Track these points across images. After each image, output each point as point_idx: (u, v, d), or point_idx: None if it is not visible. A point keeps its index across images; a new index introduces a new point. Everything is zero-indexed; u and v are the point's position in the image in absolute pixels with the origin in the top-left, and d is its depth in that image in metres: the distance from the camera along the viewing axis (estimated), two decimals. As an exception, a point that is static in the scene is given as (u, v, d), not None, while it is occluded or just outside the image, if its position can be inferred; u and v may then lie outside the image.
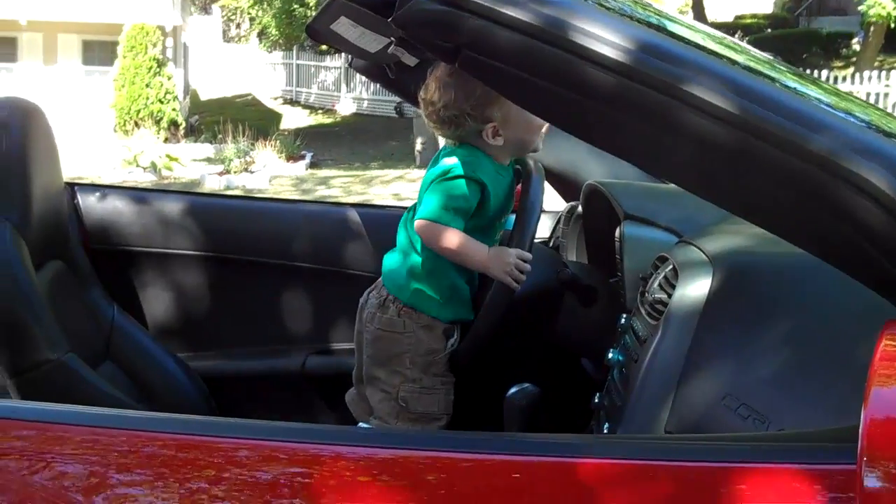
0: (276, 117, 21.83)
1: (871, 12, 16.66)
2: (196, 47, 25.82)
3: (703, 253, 1.59)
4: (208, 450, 1.08)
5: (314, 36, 2.10)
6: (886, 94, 16.43)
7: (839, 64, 20.53)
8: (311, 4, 20.22)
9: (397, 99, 18.97)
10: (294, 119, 22.14)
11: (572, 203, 2.46)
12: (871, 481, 0.90)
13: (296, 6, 21.13)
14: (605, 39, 1.07)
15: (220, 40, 32.49)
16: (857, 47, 21.30)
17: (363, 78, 21.45)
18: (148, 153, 14.30)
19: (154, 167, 14.06)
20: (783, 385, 1.27)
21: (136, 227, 2.54)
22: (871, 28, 18.25)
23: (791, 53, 18.79)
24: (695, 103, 1.06)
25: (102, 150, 15.28)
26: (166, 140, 16.99)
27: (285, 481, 1.06)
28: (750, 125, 1.05)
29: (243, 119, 16.48)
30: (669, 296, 1.56)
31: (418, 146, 14.39)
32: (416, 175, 13.07)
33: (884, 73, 17.07)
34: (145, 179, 13.68)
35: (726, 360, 1.38)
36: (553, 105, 1.16)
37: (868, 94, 15.90)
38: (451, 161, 1.89)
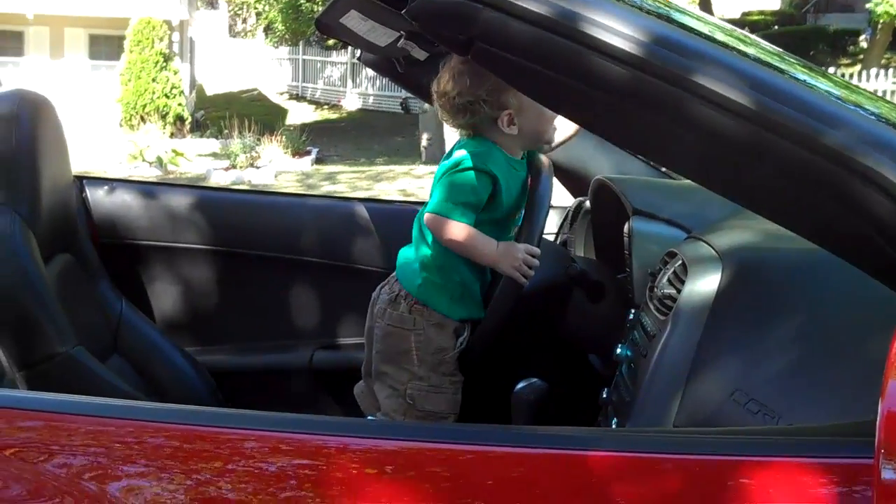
0: (282, 112, 21.83)
1: (879, 10, 16.62)
2: (202, 42, 25.82)
3: (713, 248, 1.58)
4: (215, 441, 1.08)
5: (323, 30, 2.10)
6: (893, 92, 16.39)
7: (846, 61, 20.47)
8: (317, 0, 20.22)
9: (403, 95, 19.01)
10: (300, 114, 22.13)
11: (580, 198, 2.46)
12: (889, 473, 0.90)
13: (302, 1, 21.11)
14: (617, 31, 1.07)
15: (227, 35, 32.53)
16: (864, 45, 21.25)
17: (369, 73, 21.52)
18: (154, 148, 14.31)
19: (160, 162, 14.07)
20: (793, 380, 1.27)
21: (144, 221, 2.54)
22: (879, 25, 18.20)
23: (798, 50, 18.51)
24: (706, 95, 1.06)
25: (108, 144, 15.28)
26: (172, 135, 17.00)
27: (292, 472, 1.06)
28: (761, 117, 1.05)
29: (249, 114, 16.47)
30: (679, 291, 1.56)
31: (424, 142, 14.38)
32: (422, 171, 13.06)
33: (891, 70, 17.05)
34: (151, 174, 13.65)
35: (736, 356, 1.37)
36: (565, 97, 1.16)
37: (875, 92, 15.71)
38: (462, 153, 1.88)
